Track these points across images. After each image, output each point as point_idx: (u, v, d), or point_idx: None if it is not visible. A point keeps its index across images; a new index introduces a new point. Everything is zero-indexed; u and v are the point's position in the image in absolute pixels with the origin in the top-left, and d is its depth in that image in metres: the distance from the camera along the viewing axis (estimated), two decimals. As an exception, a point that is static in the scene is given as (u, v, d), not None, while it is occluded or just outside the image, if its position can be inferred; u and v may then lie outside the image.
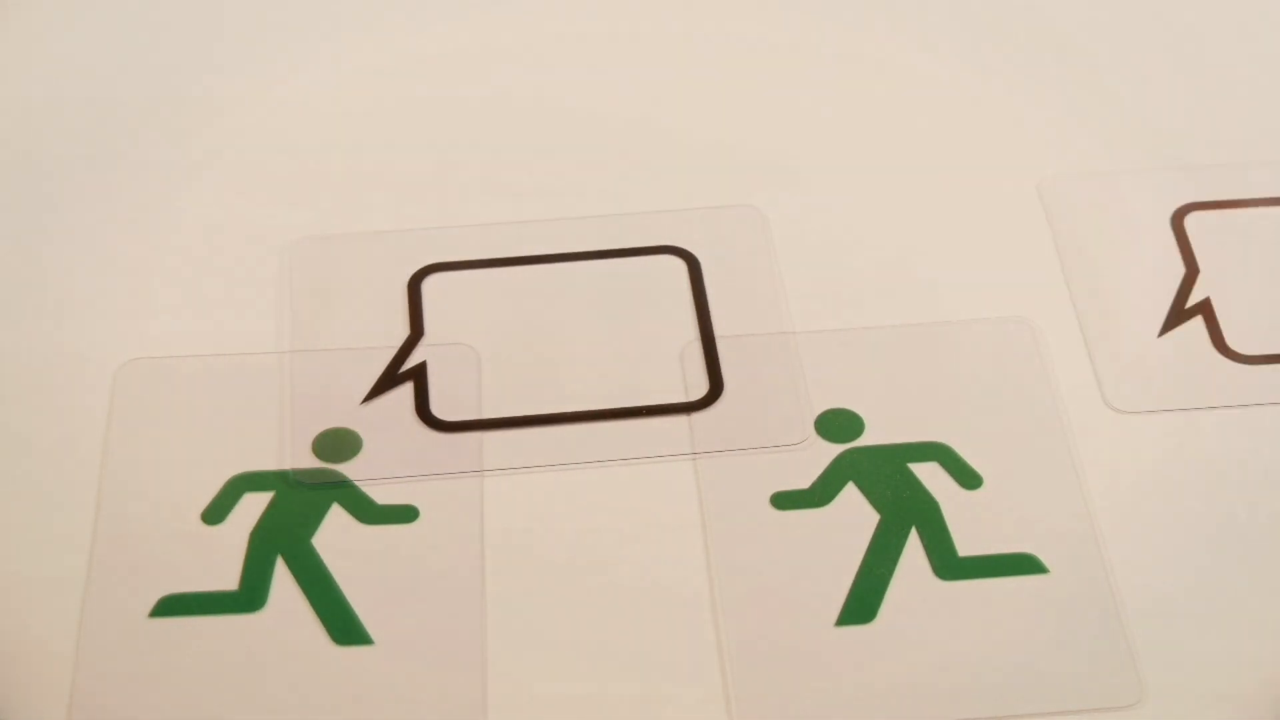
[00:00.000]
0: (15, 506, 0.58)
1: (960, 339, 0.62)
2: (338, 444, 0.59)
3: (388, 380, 0.61)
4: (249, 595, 0.56)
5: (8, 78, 0.71)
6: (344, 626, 0.55)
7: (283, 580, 0.56)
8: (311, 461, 0.59)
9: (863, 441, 0.59)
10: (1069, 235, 0.65)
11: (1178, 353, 0.62)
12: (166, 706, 0.53)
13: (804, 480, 0.58)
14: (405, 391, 0.61)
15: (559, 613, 0.55)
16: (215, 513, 0.57)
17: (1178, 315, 0.63)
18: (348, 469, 0.59)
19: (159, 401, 0.60)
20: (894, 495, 0.58)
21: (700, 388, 0.61)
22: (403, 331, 0.63)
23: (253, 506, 0.58)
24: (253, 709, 0.53)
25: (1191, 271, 0.64)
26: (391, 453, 0.59)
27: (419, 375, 0.61)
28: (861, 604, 0.56)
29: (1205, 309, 0.63)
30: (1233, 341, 0.62)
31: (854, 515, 0.58)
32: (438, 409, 0.60)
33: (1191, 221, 0.66)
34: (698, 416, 0.60)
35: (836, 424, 0.60)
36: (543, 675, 0.54)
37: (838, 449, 0.59)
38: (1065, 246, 0.65)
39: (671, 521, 0.57)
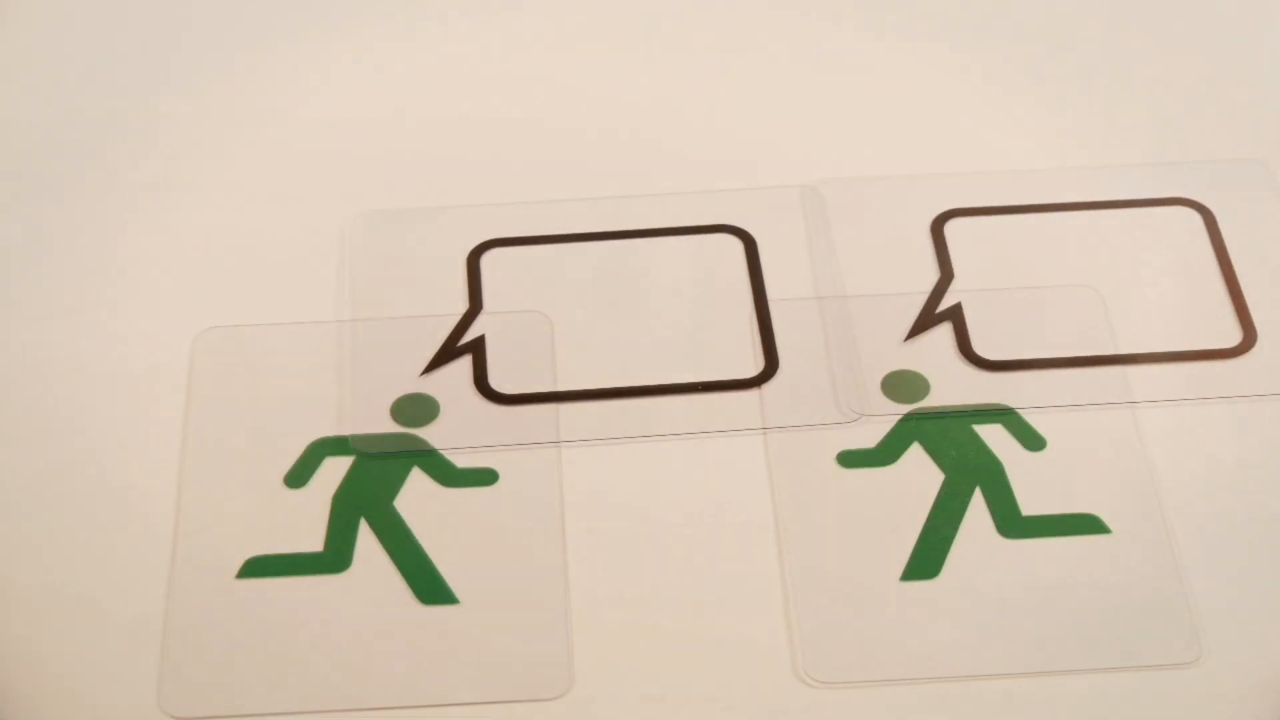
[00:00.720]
0: (102, 474, 0.58)
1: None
2: (415, 409, 0.60)
3: (447, 353, 0.62)
4: (334, 556, 0.56)
5: (87, 49, 0.72)
6: (429, 587, 0.56)
7: (367, 542, 0.57)
8: (390, 426, 0.60)
9: (928, 403, 0.60)
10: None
11: (922, 357, 0.62)
12: (255, 666, 0.54)
13: (870, 440, 0.59)
14: (464, 364, 0.62)
15: (637, 573, 0.56)
16: (297, 476, 0.58)
17: (927, 320, 0.63)
18: (426, 433, 0.59)
19: (237, 369, 0.61)
20: (959, 455, 0.59)
21: (757, 364, 0.62)
22: (462, 305, 0.63)
23: (334, 470, 0.58)
24: (341, 668, 0.54)
25: (946, 276, 0.64)
26: (466, 421, 0.60)
27: (478, 348, 0.62)
28: (926, 560, 0.57)
29: (955, 314, 0.63)
30: (979, 347, 0.62)
31: (919, 474, 0.59)
32: (497, 381, 0.61)
33: (951, 228, 0.65)
34: (760, 390, 0.61)
35: (902, 385, 0.61)
36: (623, 632, 0.55)
37: (904, 409, 0.60)
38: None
39: (741, 479, 0.58)
